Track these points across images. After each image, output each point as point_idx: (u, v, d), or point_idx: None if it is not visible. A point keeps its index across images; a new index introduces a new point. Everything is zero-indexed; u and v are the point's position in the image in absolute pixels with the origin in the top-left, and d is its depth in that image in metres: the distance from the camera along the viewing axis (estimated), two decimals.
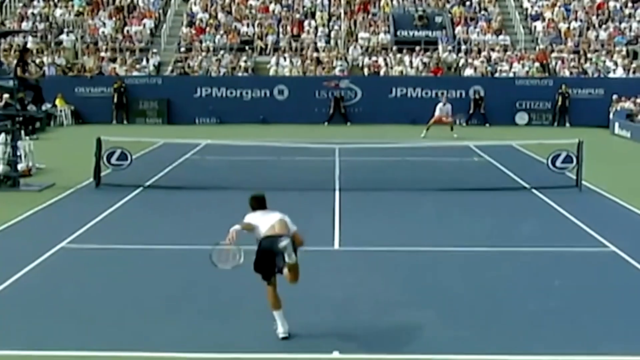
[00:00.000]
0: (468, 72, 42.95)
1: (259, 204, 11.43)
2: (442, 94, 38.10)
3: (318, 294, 12.28)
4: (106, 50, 44.43)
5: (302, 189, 21.32)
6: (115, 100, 40.49)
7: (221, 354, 9.95)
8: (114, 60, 43.46)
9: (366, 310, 11.57)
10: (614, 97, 39.82)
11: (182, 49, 44.90)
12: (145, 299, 12.08)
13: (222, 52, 44.25)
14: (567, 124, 40.30)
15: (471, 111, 40.51)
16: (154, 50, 44.54)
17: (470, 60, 43.65)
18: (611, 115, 39.12)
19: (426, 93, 40.89)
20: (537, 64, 43.53)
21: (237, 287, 12.60)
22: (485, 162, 27.09)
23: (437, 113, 35.78)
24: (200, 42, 45.17)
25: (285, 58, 43.66)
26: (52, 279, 13.21)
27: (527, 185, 22.19)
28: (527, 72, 42.85)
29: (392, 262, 14.53)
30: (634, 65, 43.12)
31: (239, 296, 12.12)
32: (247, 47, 44.69)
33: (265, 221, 10.86)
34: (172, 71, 43.13)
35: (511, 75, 42.64)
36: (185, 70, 42.95)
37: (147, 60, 43.68)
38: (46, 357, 9.80)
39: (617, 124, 37.58)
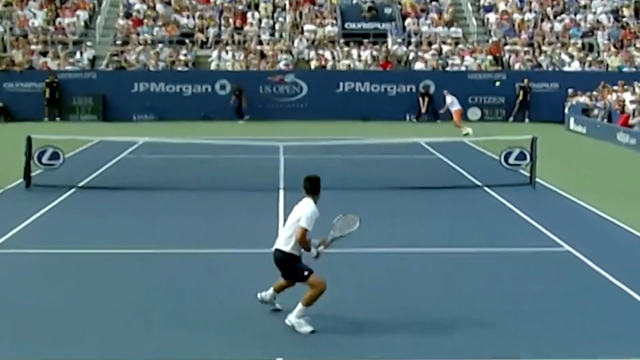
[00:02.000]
0: (419, 65, 43.20)
1: (311, 187, 11.39)
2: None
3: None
4: (37, 43, 43.92)
5: (246, 189, 21.33)
6: (47, 96, 40.02)
7: None
8: (45, 53, 42.99)
9: (312, 314, 11.59)
10: (569, 91, 40.29)
11: (119, 42, 44.56)
12: (77, 305, 11.98)
13: (160, 45, 44.01)
14: (527, 120, 40.66)
15: (423, 110, 40.70)
16: (89, 43, 44.16)
17: (420, 54, 43.92)
18: (566, 110, 39.58)
19: (375, 88, 41.05)
20: (490, 57, 43.98)
21: (174, 291, 12.59)
22: (437, 159, 27.27)
23: (456, 107, 36.17)
24: (138, 34, 44.88)
25: (227, 52, 43.58)
26: None
27: (479, 183, 22.39)
28: (480, 65, 43.23)
29: (340, 264, 14.55)
30: (589, 58, 43.73)
31: (177, 302, 12.10)
32: (187, 40, 44.51)
33: (287, 221, 11.34)
34: (107, 65, 42.80)
35: (463, 69, 43.01)
36: (122, 64, 42.63)
37: (81, 54, 43.29)
38: None
39: (572, 120, 38.07)
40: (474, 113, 41.08)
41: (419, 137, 30.06)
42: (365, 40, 44.57)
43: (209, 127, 36.58)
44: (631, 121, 32.85)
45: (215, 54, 43.46)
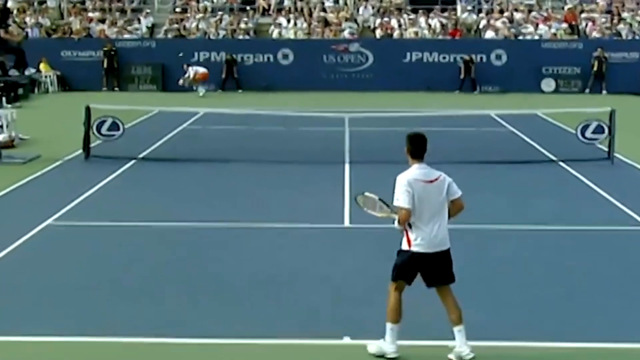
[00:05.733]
0: (489, 34, 42.72)
1: (418, 149, 9.65)
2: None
3: (328, 274, 12.28)
4: (94, 10, 44.30)
5: (310, 162, 21.32)
6: (105, 65, 40.37)
7: (214, 339, 9.93)
8: (103, 21, 43.35)
9: (379, 292, 11.53)
10: None
11: (178, 10, 44.77)
12: (136, 279, 12.10)
13: (221, 12, 44.10)
14: (604, 91, 39.99)
15: (462, 76, 40.29)
16: (147, 11, 44.43)
17: (491, 22, 43.43)
18: None
19: (444, 57, 40.70)
20: (565, 25, 43.31)
21: (234, 267, 12.64)
22: (508, 132, 27.01)
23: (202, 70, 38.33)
24: (197, 1, 44.99)
25: (289, 19, 43.50)
26: (37, 259, 13.19)
27: (554, 158, 22.13)
28: (554, 34, 42.61)
29: None
30: None
31: (235, 277, 12.16)
32: (248, 7, 44.55)
33: (427, 208, 9.42)
34: (166, 33, 43.00)
35: (537, 37, 42.45)
36: (181, 32, 42.81)
37: (140, 22, 43.59)
38: (26, 343, 9.79)
39: None
40: (548, 84, 40.54)
41: (489, 109, 29.85)
42: (434, 8, 44.21)
43: (271, 97, 36.61)
44: None
45: (277, 21, 43.40)
